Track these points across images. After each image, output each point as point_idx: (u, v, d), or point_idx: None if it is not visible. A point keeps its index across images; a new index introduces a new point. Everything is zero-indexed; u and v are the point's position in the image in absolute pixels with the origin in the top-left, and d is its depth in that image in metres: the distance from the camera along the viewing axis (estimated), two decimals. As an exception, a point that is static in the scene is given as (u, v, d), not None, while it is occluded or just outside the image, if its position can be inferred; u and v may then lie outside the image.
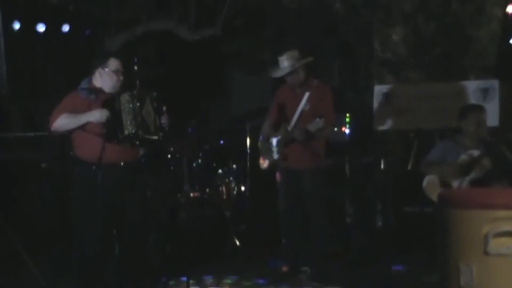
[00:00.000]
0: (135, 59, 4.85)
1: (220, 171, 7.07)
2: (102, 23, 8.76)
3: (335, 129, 5.26)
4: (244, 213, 6.96)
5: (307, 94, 5.53)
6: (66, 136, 4.92)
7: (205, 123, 9.06)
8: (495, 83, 6.70)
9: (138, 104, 4.68)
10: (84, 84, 4.88)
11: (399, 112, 6.96)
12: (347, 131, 7.26)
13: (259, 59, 9.17)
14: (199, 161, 6.89)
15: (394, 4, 7.55)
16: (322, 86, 5.68)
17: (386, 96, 7.01)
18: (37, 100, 8.24)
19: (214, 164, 7.14)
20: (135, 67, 4.83)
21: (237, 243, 6.49)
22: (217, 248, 6.34)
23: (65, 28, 8.39)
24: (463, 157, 5.42)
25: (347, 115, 7.30)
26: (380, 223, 6.99)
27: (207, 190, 6.88)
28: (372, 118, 7.04)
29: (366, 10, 7.78)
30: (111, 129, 4.66)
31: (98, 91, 4.83)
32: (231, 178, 6.99)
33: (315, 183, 5.57)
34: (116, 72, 4.84)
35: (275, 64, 5.71)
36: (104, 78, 4.84)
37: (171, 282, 5.44)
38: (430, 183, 5.48)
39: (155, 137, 4.76)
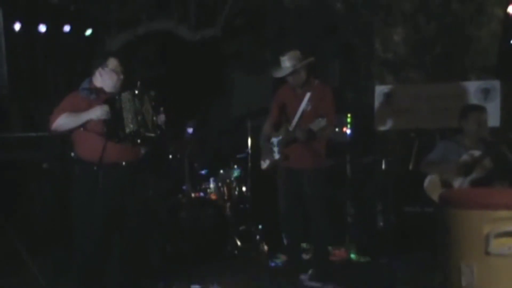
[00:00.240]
0: (136, 59, 4.86)
1: (221, 171, 7.07)
2: (102, 23, 8.76)
3: (336, 129, 5.26)
4: (245, 213, 6.96)
5: (308, 94, 5.53)
6: (67, 136, 4.91)
7: (205, 123, 9.06)
8: (496, 84, 6.70)
9: (138, 102, 4.69)
10: (85, 84, 4.88)
11: (399, 112, 6.96)
12: (348, 131, 7.25)
13: (259, 59, 9.18)
14: (200, 161, 6.90)
15: (395, 4, 7.56)
16: (322, 86, 5.68)
17: (387, 96, 7.01)
18: (37, 100, 8.23)
19: (215, 164, 7.14)
20: (136, 67, 4.83)
21: (238, 243, 6.49)
22: (217, 248, 6.34)
23: (66, 28, 8.38)
24: (464, 157, 5.41)
25: (348, 115, 7.30)
26: (381, 223, 6.99)
27: (208, 190, 6.88)
28: (373, 118, 7.04)
29: (367, 10, 7.79)
30: (112, 128, 4.66)
31: (99, 90, 4.83)
32: (232, 178, 6.99)
33: (315, 183, 5.58)
34: (115, 71, 4.85)
35: (276, 64, 5.72)
36: (104, 78, 4.84)
37: None
38: (431, 183, 5.48)
39: (152, 134, 4.77)
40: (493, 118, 6.21)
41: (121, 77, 4.87)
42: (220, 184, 6.97)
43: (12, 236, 5.22)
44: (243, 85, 9.87)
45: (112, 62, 4.87)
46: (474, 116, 5.55)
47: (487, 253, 3.51)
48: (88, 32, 8.57)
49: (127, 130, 4.65)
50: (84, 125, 4.72)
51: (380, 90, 7.08)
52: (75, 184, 4.85)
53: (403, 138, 7.06)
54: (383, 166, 6.74)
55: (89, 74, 4.91)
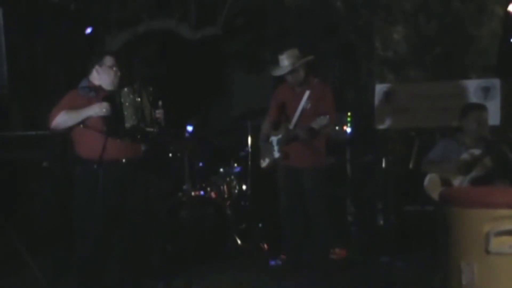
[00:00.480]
0: (136, 59, 4.88)
1: (221, 170, 7.07)
2: (103, 23, 8.76)
3: (336, 127, 5.25)
4: (245, 212, 6.96)
5: (307, 93, 5.53)
6: (67, 135, 4.91)
7: (205, 122, 9.06)
8: (496, 82, 6.69)
9: (138, 98, 4.70)
10: (83, 83, 4.90)
11: (400, 111, 6.96)
12: (348, 130, 7.26)
13: (259, 59, 9.18)
14: (200, 160, 6.90)
15: (395, 3, 7.56)
16: (322, 85, 5.67)
17: (387, 95, 7.01)
18: (38, 99, 8.23)
19: (215, 163, 7.14)
20: (136, 67, 4.85)
21: (238, 242, 6.49)
22: (218, 247, 6.34)
23: (67, 27, 8.38)
24: (464, 156, 5.41)
25: (348, 114, 7.30)
26: (381, 222, 6.99)
27: (208, 189, 6.88)
28: (373, 117, 7.04)
29: (367, 9, 7.79)
30: (112, 124, 4.67)
31: (98, 88, 4.85)
32: (232, 177, 6.99)
33: (315, 181, 5.57)
34: (112, 67, 4.86)
35: (275, 63, 5.71)
36: (102, 75, 4.86)
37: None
38: (431, 182, 5.48)
39: (152, 129, 4.78)
40: (494, 117, 6.20)
41: (118, 74, 4.89)
42: (220, 183, 6.97)
43: (12, 236, 5.22)
44: (243, 84, 9.88)
45: (109, 60, 4.89)
46: (474, 114, 5.55)
47: (487, 251, 3.51)
48: (89, 31, 8.57)
49: (127, 125, 4.66)
50: (83, 123, 4.72)
51: (380, 89, 7.08)
52: (76, 183, 4.85)
53: (403, 137, 7.07)
54: (383, 165, 6.76)
55: (87, 72, 4.92)
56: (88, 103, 4.75)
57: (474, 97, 6.61)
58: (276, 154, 5.65)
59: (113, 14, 8.86)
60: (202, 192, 6.81)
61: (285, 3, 8.63)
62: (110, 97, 4.74)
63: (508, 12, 7.24)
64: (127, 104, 4.68)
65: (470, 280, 3.57)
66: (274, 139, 5.68)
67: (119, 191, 4.78)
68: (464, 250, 3.62)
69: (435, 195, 5.09)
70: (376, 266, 5.95)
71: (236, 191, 6.99)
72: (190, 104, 8.83)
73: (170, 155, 6.73)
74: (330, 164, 5.83)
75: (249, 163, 6.91)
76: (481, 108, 5.65)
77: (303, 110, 5.54)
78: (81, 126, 4.73)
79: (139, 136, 4.81)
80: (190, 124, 6.92)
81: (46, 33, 8.24)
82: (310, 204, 5.61)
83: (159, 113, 4.82)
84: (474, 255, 3.56)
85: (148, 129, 4.78)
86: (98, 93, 4.81)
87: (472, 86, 6.74)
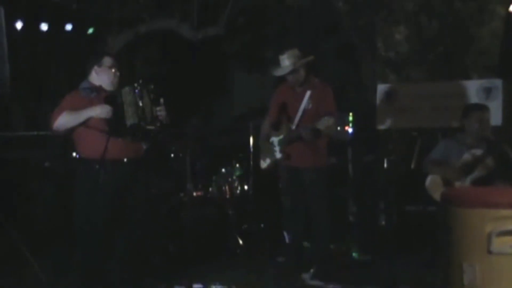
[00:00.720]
0: (138, 58, 4.88)
1: (223, 170, 7.07)
2: (104, 22, 8.76)
3: (338, 128, 5.25)
4: (247, 212, 6.96)
5: (308, 93, 5.52)
6: (68, 136, 4.92)
7: (207, 122, 9.06)
8: (498, 82, 6.68)
9: (138, 96, 4.70)
10: (84, 84, 4.90)
11: (401, 111, 6.96)
12: (349, 130, 7.26)
13: (260, 58, 9.18)
14: (202, 160, 6.90)
15: (396, 3, 7.55)
16: (322, 85, 5.66)
17: (389, 95, 7.00)
18: (39, 99, 8.24)
19: (217, 163, 7.14)
20: (137, 66, 4.86)
21: (240, 242, 6.49)
22: (219, 247, 6.34)
23: (68, 27, 8.39)
24: (466, 156, 5.41)
25: (350, 114, 7.30)
26: (382, 222, 6.99)
27: (210, 189, 6.88)
28: (375, 117, 7.04)
29: (368, 9, 7.78)
30: (113, 123, 4.67)
31: (99, 88, 4.85)
32: (234, 177, 6.99)
33: (317, 181, 5.57)
34: (111, 68, 4.86)
35: (276, 63, 5.70)
36: (101, 76, 4.87)
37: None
38: (433, 182, 5.47)
39: (152, 127, 4.78)
40: (495, 117, 6.19)
41: (118, 74, 4.89)
42: (222, 183, 6.96)
43: (13, 236, 5.22)
44: (244, 84, 9.88)
45: (107, 60, 4.90)
46: (476, 115, 5.54)
47: (489, 251, 3.51)
48: (90, 31, 8.57)
49: (128, 123, 4.67)
50: (85, 123, 4.72)
51: (382, 88, 7.08)
52: (77, 184, 4.86)
53: (405, 137, 7.06)
54: (385, 165, 6.75)
55: (86, 73, 4.93)
56: (90, 103, 4.76)
57: (476, 98, 6.60)
58: (278, 155, 5.64)
59: (114, 14, 8.86)
60: (203, 192, 6.80)
61: (286, 3, 8.63)
62: (112, 97, 4.74)
63: (510, 12, 7.23)
64: (127, 102, 4.69)
65: (472, 280, 3.56)
66: (275, 139, 5.66)
67: (120, 191, 4.79)
68: (466, 250, 3.61)
69: (436, 195, 5.09)
70: (377, 266, 5.95)
71: (238, 191, 6.99)
72: (192, 104, 8.83)
73: (172, 155, 6.73)
74: (331, 164, 5.83)
75: (251, 163, 6.91)
76: (483, 108, 5.64)
77: (305, 110, 5.52)
78: (83, 127, 4.73)
79: (139, 135, 4.81)
80: (191, 125, 6.91)
81: (48, 33, 8.25)
82: (312, 204, 5.61)
83: (160, 110, 4.82)
84: (476, 255, 3.56)
85: (149, 127, 4.78)
86: (99, 94, 4.82)
87: (474, 86, 6.73)
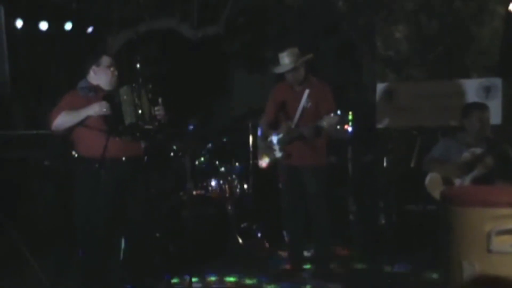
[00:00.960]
0: (137, 58, 4.88)
1: (222, 169, 7.07)
2: (104, 22, 8.76)
3: (338, 127, 5.24)
4: (247, 211, 6.95)
5: (307, 91, 5.52)
6: (67, 136, 4.91)
7: (207, 121, 9.06)
8: (497, 82, 6.68)
9: (137, 95, 4.71)
10: (82, 83, 4.90)
11: (401, 110, 6.96)
12: (349, 129, 7.25)
13: (260, 58, 9.18)
14: (202, 159, 6.90)
15: (397, 3, 7.55)
16: (321, 84, 5.66)
17: (389, 94, 7.01)
18: (39, 98, 8.24)
19: (217, 162, 7.14)
20: (137, 65, 4.85)
21: (240, 241, 6.49)
22: (219, 246, 6.34)
23: (68, 26, 8.39)
24: (465, 154, 5.41)
25: (350, 113, 7.29)
26: (382, 221, 6.99)
27: (210, 188, 6.88)
28: (375, 116, 7.04)
29: (368, 8, 7.78)
30: (112, 122, 4.68)
31: (97, 88, 4.85)
32: (233, 176, 6.98)
33: (317, 180, 5.57)
34: (110, 67, 4.87)
35: (276, 62, 5.70)
36: (99, 75, 4.87)
37: (174, 280, 5.44)
38: (433, 181, 5.47)
39: (150, 126, 4.78)
40: (495, 116, 6.19)
41: (116, 73, 4.89)
42: (221, 182, 6.96)
43: (14, 236, 5.22)
44: (244, 84, 9.88)
45: (105, 59, 4.90)
46: (476, 114, 5.54)
47: (489, 250, 3.51)
48: (90, 30, 8.57)
49: (127, 122, 4.67)
50: (84, 122, 4.72)
51: (382, 88, 7.08)
52: (77, 183, 4.86)
53: (404, 136, 7.06)
54: (385, 164, 6.75)
55: (85, 73, 4.93)
56: (88, 103, 4.76)
57: (475, 97, 6.60)
58: (278, 154, 5.64)
59: (114, 13, 8.86)
60: (203, 191, 6.80)
61: (286, 3, 8.63)
62: (110, 96, 4.75)
63: (510, 11, 7.24)
64: (126, 102, 4.69)
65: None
66: (274, 138, 5.65)
67: (120, 190, 4.79)
68: (466, 249, 3.62)
69: (436, 194, 5.09)
70: (377, 265, 5.95)
71: (238, 189, 6.98)
72: (192, 103, 8.83)
73: (172, 154, 6.73)
74: (331, 164, 5.82)
75: (251, 162, 6.91)
76: (482, 107, 5.64)
77: (304, 109, 5.53)
78: (82, 127, 4.73)
79: (138, 134, 4.81)
80: (191, 124, 6.91)
81: (47, 32, 8.24)
82: (312, 202, 5.61)
83: (158, 110, 4.82)
84: (476, 254, 3.56)
85: (147, 126, 4.78)
86: (97, 93, 4.82)
87: (474, 86, 6.73)
